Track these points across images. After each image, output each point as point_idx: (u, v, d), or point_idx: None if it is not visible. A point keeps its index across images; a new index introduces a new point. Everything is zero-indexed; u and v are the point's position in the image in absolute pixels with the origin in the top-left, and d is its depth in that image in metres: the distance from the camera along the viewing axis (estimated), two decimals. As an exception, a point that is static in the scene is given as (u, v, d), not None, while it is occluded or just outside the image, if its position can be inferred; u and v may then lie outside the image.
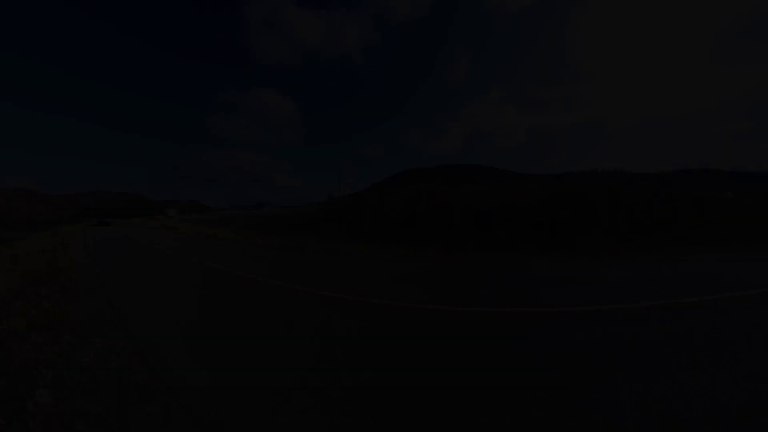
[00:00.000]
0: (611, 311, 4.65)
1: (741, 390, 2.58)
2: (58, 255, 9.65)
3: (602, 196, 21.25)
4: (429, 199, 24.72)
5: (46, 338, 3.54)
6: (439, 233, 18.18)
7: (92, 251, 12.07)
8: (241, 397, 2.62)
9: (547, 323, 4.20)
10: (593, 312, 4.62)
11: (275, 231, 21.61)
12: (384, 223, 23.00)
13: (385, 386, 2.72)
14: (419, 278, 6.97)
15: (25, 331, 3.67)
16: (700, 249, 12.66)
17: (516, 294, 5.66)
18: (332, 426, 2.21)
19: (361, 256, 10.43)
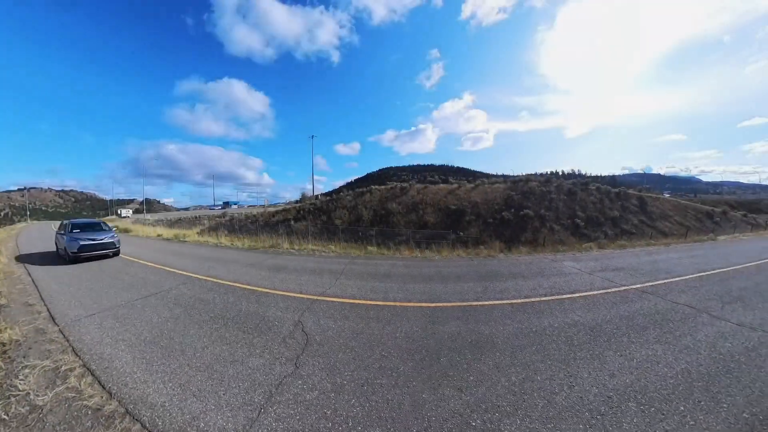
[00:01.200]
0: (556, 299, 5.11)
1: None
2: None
3: (562, 196, 23.00)
4: (403, 198, 25.07)
5: (-29, 364, 3.07)
6: (413, 231, 18.49)
7: (26, 260, 10.65)
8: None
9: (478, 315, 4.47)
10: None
11: (244, 231, 20.59)
12: (359, 222, 22.89)
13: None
14: (390, 277, 7.03)
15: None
16: (644, 242, 14.29)
17: (470, 289, 5.93)
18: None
19: (337, 256, 10.30)
